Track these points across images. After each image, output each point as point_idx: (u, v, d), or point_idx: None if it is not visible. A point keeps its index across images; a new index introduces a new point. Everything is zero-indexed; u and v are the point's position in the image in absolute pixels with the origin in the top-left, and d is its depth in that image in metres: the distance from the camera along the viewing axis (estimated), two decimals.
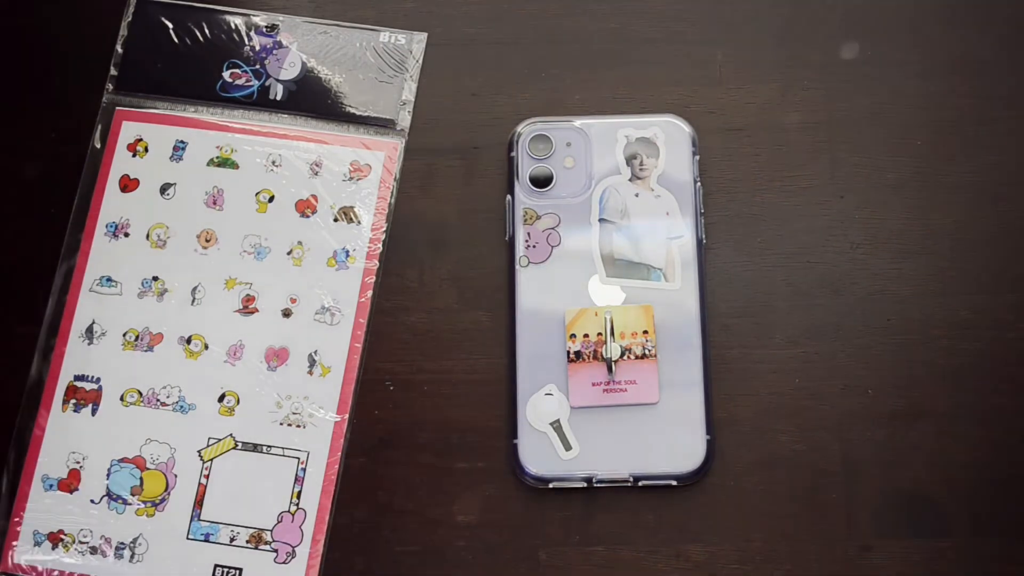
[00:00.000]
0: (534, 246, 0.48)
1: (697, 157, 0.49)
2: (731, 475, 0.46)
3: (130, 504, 0.46)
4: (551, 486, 0.46)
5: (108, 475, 0.46)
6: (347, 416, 0.47)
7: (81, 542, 0.46)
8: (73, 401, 0.47)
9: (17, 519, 0.46)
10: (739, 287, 0.48)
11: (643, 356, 0.46)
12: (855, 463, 0.46)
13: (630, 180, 0.49)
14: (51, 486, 0.46)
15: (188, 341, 0.48)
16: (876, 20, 0.52)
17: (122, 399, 0.47)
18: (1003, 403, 0.47)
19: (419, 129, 0.51)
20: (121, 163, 0.50)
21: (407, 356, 0.48)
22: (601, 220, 0.48)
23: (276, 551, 0.46)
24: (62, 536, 0.46)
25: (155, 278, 0.49)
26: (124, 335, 0.48)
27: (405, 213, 0.50)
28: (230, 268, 0.49)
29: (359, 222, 0.49)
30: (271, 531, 0.46)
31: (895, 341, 0.48)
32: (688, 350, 0.47)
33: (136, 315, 0.48)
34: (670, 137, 0.49)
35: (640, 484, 0.45)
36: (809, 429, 0.47)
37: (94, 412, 0.47)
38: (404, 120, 0.50)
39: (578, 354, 0.46)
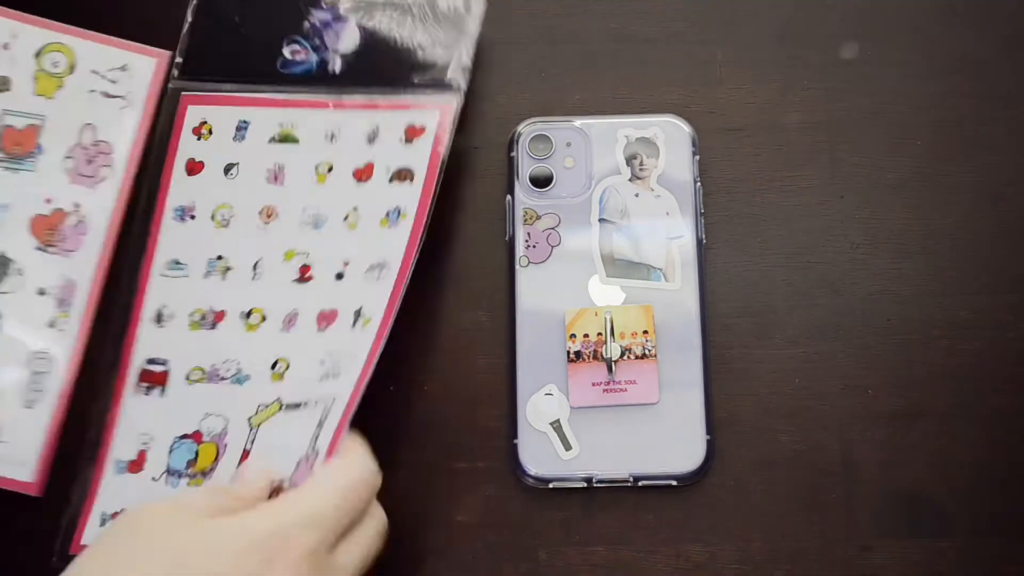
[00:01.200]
0: (534, 246, 0.48)
1: (697, 157, 0.49)
2: (731, 475, 0.46)
3: (184, 477, 0.46)
4: (551, 486, 0.46)
5: (170, 452, 0.46)
6: (374, 365, 0.44)
7: None
8: (145, 384, 0.47)
9: (90, 503, 0.46)
10: (739, 287, 0.48)
11: (643, 356, 0.46)
12: (855, 463, 0.46)
13: (630, 180, 0.49)
14: (122, 469, 0.47)
15: (248, 315, 0.48)
16: (876, 20, 0.52)
17: (187, 378, 0.47)
18: (1003, 403, 0.47)
19: None
20: (187, 147, 0.50)
21: (407, 356, 0.48)
22: (601, 220, 0.48)
23: None
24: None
25: (219, 257, 0.49)
26: (191, 315, 0.48)
27: None
28: (290, 240, 0.49)
29: (412, 180, 0.48)
30: (290, 478, 0.43)
31: (895, 341, 0.48)
32: (688, 350, 0.47)
33: (202, 295, 0.48)
34: (670, 137, 0.49)
35: (640, 484, 0.45)
36: (809, 429, 0.47)
37: (162, 393, 0.47)
38: (461, 80, 0.49)
39: (578, 354, 0.46)
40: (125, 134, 0.50)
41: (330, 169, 0.49)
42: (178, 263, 0.49)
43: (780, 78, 0.51)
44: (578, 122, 0.50)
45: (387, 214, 0.48)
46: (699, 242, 0.48)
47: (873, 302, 0.48)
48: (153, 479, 0.46)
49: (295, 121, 0.50)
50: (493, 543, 0.46)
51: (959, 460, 0.46)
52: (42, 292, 0.48)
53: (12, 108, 0.50)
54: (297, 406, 0.46)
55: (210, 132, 0.50)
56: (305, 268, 0.48)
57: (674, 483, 0.46)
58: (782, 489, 0.46)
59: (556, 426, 0.46)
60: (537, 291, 0.47)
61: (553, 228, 0.48)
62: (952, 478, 0.46)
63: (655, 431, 0.46)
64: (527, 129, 0.49)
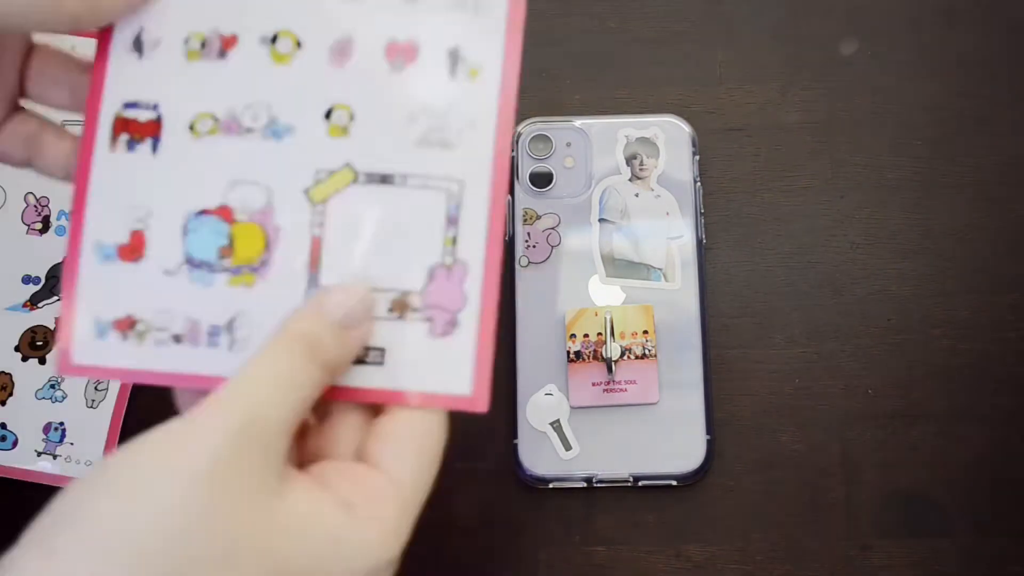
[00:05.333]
0: (534, 246, 0.48)
1: (697, 157, 0.49)
2: (731, 475, 0.46)
3: (218, 272, 0.33)
4: (551, 486, 0.46)
5: (184, 234, 0.33)
6: (510, 129, 0.33)
7: (159, 329, 0.33)
8: (125, 137, 0.33)
9: (69, 305, 0.33)
10: (739, 287, 0.48)
11: (643, 356, 0.46)
12: (855, 463, 0.46)
13: (630, 180, 0.49)
14: (109, 255, 0.33)
15: (273, 40, 0.33)
16: (876, 20, 0.52)
17: (192, 128, 0.33)
18: (1003, 403, 0.47)
19: None
20: None
21: None
22: (601, 220, 0.48)
23: (431, 320, 0.32)
24: (133, 323, 0.33)
25: None
26: (185, 41, 0.33)
27: None
28: None
29: None
30: (420, 293, 0.32)
31: (895, 341, 0.48)
32: (688, 350, 0.47)
33: (198, 12, 0.33)
34: (670, 137, 0.49)
35: (640, 484, 0.45)
36: (809, 429, 0.47)
37: (154, 149, 0.33)
38: None
39: (578, 354, 0.46)
40: None
41: None
42: None
43: (780, 78, 0.51)
44: (578, 122, 0.50)
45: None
46: (699, 242, 0.48)
47: (873, 302, 0.48)
48: (167, 272, 0.32)
49: None
50: (493, 543, 0.46)
51: (959, 460, 0.46)
52: None
53: None
54: (386, 179, 0.33)
55: None
56: None
57: (674, 483, 0.46)
58: (782, 489, 0.46)
59: (556, 426, 0.46)
60: (537, 291, 0.47)
61: (553, 228, 0.48)
62: (952, 478, 0.46)
63: (655, 431, 0.46)
64: (527, 129, 0.49)
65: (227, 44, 0.33)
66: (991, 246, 0.49)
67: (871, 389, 0.47)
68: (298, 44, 0.33)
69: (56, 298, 0.49)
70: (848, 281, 0.48)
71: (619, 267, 0.48)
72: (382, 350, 0.32)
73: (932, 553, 0.45)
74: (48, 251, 0.49)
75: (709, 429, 0.46)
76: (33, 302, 0.49)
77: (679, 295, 0.47)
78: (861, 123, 0.50)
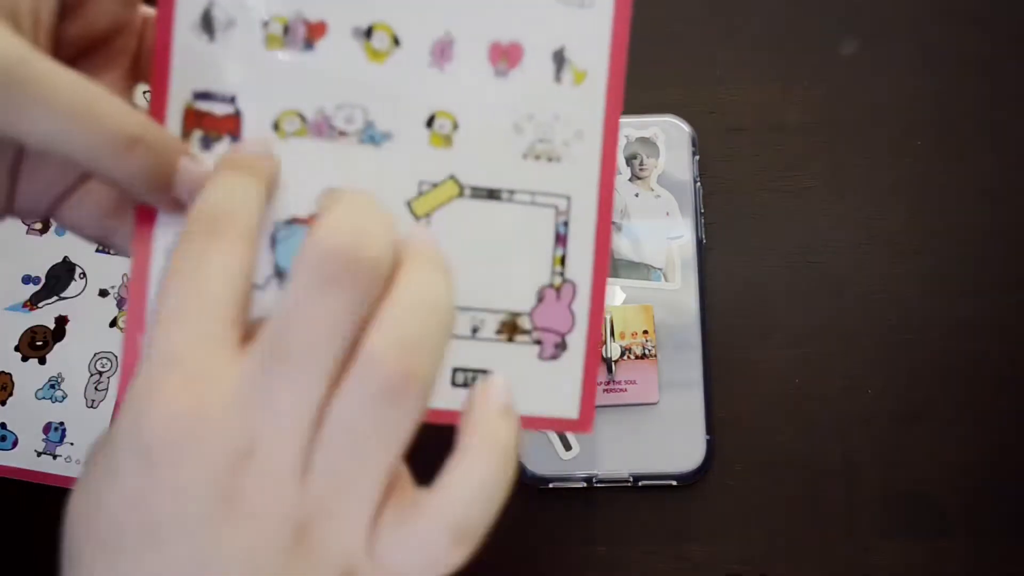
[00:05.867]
0: None
1: (697, 157, 0.49)
2: (731, 475, 0.46)
3: None
4: (551, 486, 0.46)
5: (273, 245, 0.29)
6: (616, 138, 0.32)
7: None
8: (198, 134, 0.29)
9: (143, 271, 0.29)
10: (739, 287, 0.48)
11: (643, 356, 0.46)
12: (855, 463, 0.46)
13: (630, 180, 0.49)
14: None
15: (368, 34, 0.30)
16: (876, 20, 0.52)
17: (276, 127, 0.30)
18: (1003, 403, 0.47)
19: None
20: None
21: None
22: None
23: (540, 343, 0.31)
24: None
25: None
26: (266, 25, 0.29)
27: None
28: None
29: None
30: (529, 315, 0.31)
31: (895, 341, 0.48)
32: (688, 350, 0.47)
33: None
34: (670, 137, 0.49)
35: (640, 484, 0.45)
36: (809, 429, 0.47)
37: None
38: None
39: None
40: None
41: None
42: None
43: (780, 78, 0.51)
44: None
45: None
46: (699, 242, 0.48)
47: (873, 302, 0.48)
48: (255, 286, 0.27)
49: None
50: (493, 543, 0.46)
51: (959, 460, 0.46)
52: (103, 293, 0.49)
53: None
54: (493, 194, 0.31)
55: None
56: None
57: (674, 483, 0.46)
58: (782, 489, 0.46)
59: None
60: None
61: None
62: (952, 478, 0.46)
63: (655, 431, 0.46)
64: None
65: (314, 33, 0.30)
66: (991, 246, 0.49)
67: (871, 389, 0.47)
68: (395, 41, 0.30)
69: (56, 298, 0.49)
70: (848, 281, 0.48)
71: (619, 267, 0.48)
72: (484, 371, 0.31)
73: (932, 553, 0.45)
74: (48, 251, 0.49)
75: (709, 429, 0.46)
76: (33, 302, 0.49)
77: (679, 295, 0.47)
78: (861, 123, 0.50)
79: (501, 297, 0.31)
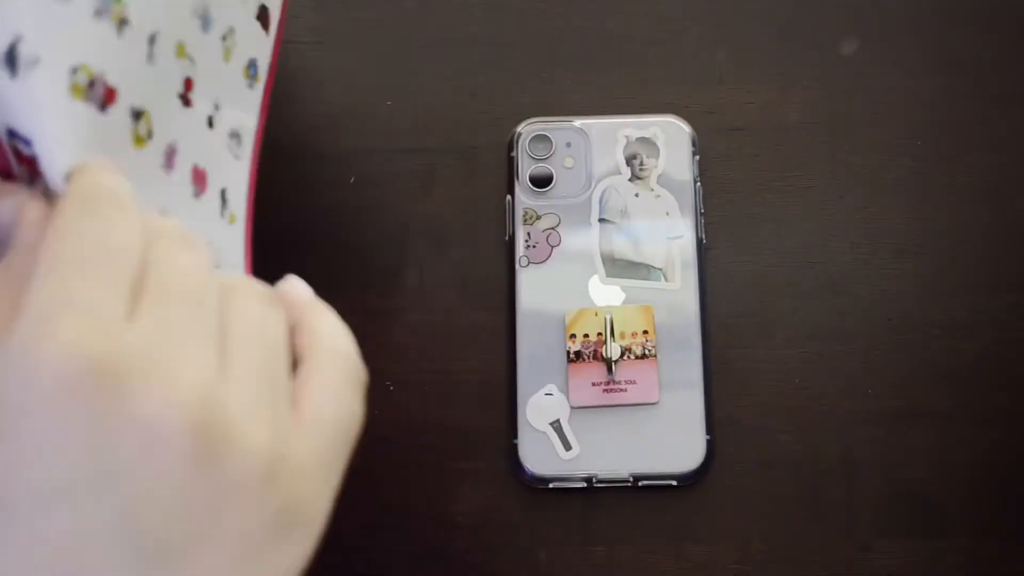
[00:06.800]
0: (534, 246, 0.48)
1: (697, 157, 0.49)
2: (731, 475, 0.46)
3: None
4: (551, 486, 0.46)
5: None
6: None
7: None
8: (25, 168, 0.29)
9: None
10: (739, 287, 0.48)
11: (643, 356, 0.46)
12: (855, 463, 0.46)
13: (630, 180, 0.49)
14: None
15: (137, 117, 0.30)
16: (876, 20, 0.52)
17: (68, 178, 0.27)
18: (1003, 403, 0.47)
19: (419, 129, 0.51)
20: None
21: (407, 356, 0.48)
22: (601, 220, 0.48)
23: None
24: None
25: None
26: (74, 72, 0.27)
27: (405, 213, 0.50)
28: (181, 25, 0.32)
29: (268, 28, 0.38)
30: None
31: (895, 341, 0.48)
32: (688, 350, 0.47)
33: (90, 45, 0.28)
34: (670, 137, 0.49)
35: (640, 484, 0.45)
36: (809, 429, 0.47)
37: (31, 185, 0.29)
38: None
39: (578, 354, 0.46)
40: None
41: None
42: None
43: (780, 78, 0.51)
44: (578, 122, 0.50)
45: (249, 63, 0.37)
46: (699, 242, 0.48)
47: (873, 302, 0.48)
48: None
49: None
50: (493, 543, 0.46)
51: (959, 460, 0.46)
52: None
53: None
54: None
55: None
56: (189, 83, 0.33)
57: (674, 483, 0.46)
58: (782, 489, 0.46)
59: (556, 426, 0.46)
60: (537, 291, 0.47)
61: (553, 228, 0.48)
62: (952, 478, 0.46)
63: (655, 431, 0.46)
64: (527, 129, 0.49)
65: (108, 97, 0.29)
66: (991, 246, 0.49)
67: (871, 389, 0.47)
68: (150, 134, 0.31)
69: None
70: (848, 281, 0.48)
71: (619, 267, 0.48)
72: None
73: (932, 553, 0.45)
74: None
75: (709, 429, 0.46)
76: None
77: (679, 295, 0.47)
78: (861, 123, 0.50)
79: None
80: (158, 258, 0.24)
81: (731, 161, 0.50)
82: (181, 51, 0.32)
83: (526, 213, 0.48)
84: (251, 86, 0.37)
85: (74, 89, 0.27)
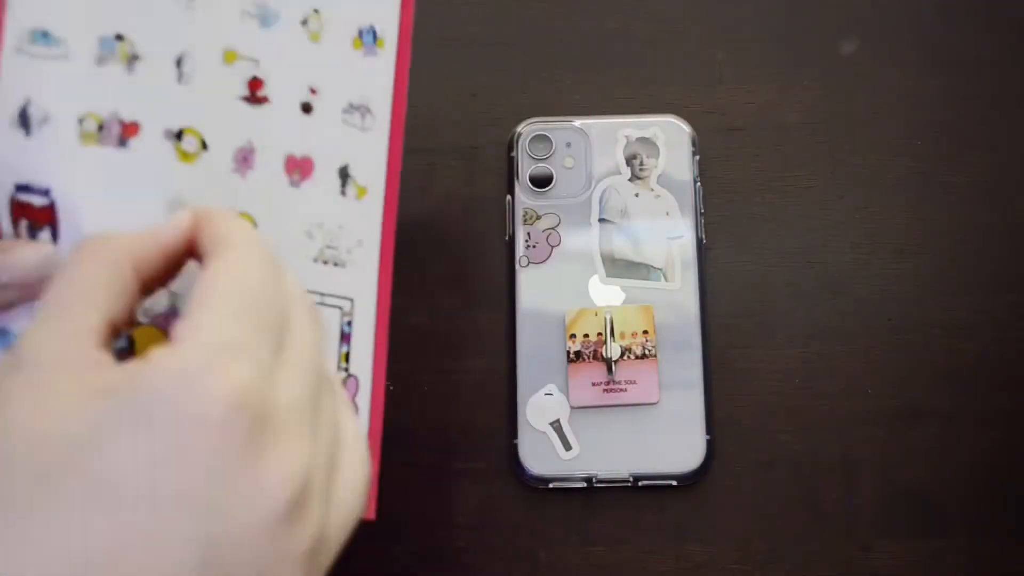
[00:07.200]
0: (534, 246, 0.48)
1: (697, 157, 0.49)
2: (731, 475, 0.46)
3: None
4: (551, 486, 0.46)
5: None
6: (391, 246, 0.37)
7: None
8: (25, 223, 0.30)
9: None
10: (739, 287, 0.48)
11: (643, 356, 0.46)
12: (855, 463, 0.46)
13: (630, 180, 0.49)
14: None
15: (178, 136, 0.32)
16: (876, 20, 0.52)
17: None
18: (1003, 403, 0.47)
19: (419, 129, 0.51)
20: None
21: (407, 356, 0.48)
22: (601, 220, 0.48)
23: None
24: None
25: (119, 37, 0.31)
26: (80, 122, 0.30)
27: (405, 213, 0.50)
28: (227, 34, 0.33)
29: None
30: None
31: (895, 341, 0.48)
32: (688, 350, 0.47)
33: (95, 92, 0.30)
34: (670, 137, 0.49)
35: (640, 484, 0.45)
36: (809, 429, 0.47)
37: (54, 237, 0.30)
38: None
39: (578, 354, 0.46)
40: None
41: None
42: (48, 36, 0.30)
43: (780, 78, 0.51)
44: (578, 122, 0.50)
45: (359, 33, 0.37)
46: (699, 242, 0.48)
47: (873, 302, 0.48)
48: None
49: None
50: (493, 543, 0.46)
51: (959, 460, 0.46)
52: None
53: None
54: None
55: None
56: (255, 83, 0.34)
57: (674, 483, 0.46)
58: (782, 489, 0.46)
59: (556, 426, 0.46)
60: (537, 291, 0.47)
61: (553, 228, 0.48)
62: (952, 478, 0.46)
63: (655, 431, 0.46)
64: (527, 129, 0.49)
65: (128, 132, 0.31)
66: (991, 246, 0.49)
67: (871, 389, 0.47)
68: (203, 145, 0.32)
69: None
70: (848, 281, 0.48)
71: (619, 267, 0.48)
72: None
73: (932, 553, 0.45)
74: None
75: (709, 429, 0.46)
76: None
77: (679, 295, 0.47)
78: (861, 123, 0.50)
79: None
80: (298, 324, 0.27)
81: (731, 161, 0.50)
82: (231, 57, 0.33)
83: (526, 213, 0.48)
84: (369, 54, 0.37)
85: (84, 137, 0.30)
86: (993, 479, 0.46)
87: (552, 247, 0.48)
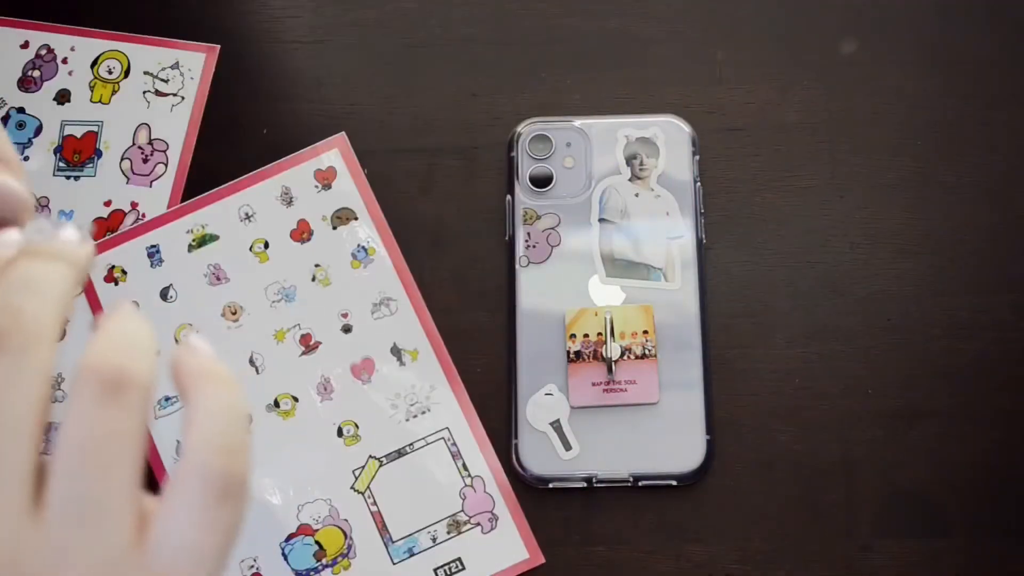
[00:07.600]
0: (534, 246, 0.48)
1: (697, 157, 0.49)
2: (731, 475, 0.46)
3: (321, 571, 0.45)
4: (551, 486, 0.46)
5: (286, 557, 0.45)
6: (458, 376, 0.47)
7: None
8: None
9: None
10: (739, 287, 0.48)
11: (643, 356, 0.46)
12: (855, 463, 0.46)
13: (630, 180, 0.49)
14: None
15: (276, 404, 0.47)
16: (876, 20, 0.52)
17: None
18: (1003, 403, 0.47)
19: (419, 129, 0.51)
20: (107, 298, 0.48)
21: None
22: (601, 220, 0.48)
23: (479, 524, 0.45)
24: None
25: None
26: None
27: (405, 213, 0.50)
28: (270, 323, 0.48)
29: (357, 219, 0.49)
30: (463, 511, 0.45)
31: (895, 341, 0.48)
32: (688, 350, 0.47)
33: None
34: (670, 137, 0.49)
35: (640, 484, 0.45)
36: (809, 429, 0.47)
37: None
38: None
39: (578, 354, 0.46)
40: (179, 129, 0.51)
41: (266, 245, 0.49)
42: (167, 399, 0.47)
43: (780, 78, 0.51)
44: (578, 122, 0.50)
45: (352, 255, 0.48)
46: (699, 242, 0.48)
47: (873, 302, 0.48)
48: None
49: (203, 222, 0.49)
50: None
51: (959, 460, 0.46)
52: None
53: (71, 118, 0.51)
54: (400, 453, 0.46)
55: (123, 272, 0.49)
56: (306, 338, 0.47)
57: (674, 483, 0.46)
58: (782, 489, 0.46)
59: (556, 426, 0.46)
60: (537, 291, 0.47)
61: (553, 228, 0.48)
62: (952, 478, 0.46)
63: (655, 431, 0.46)
64: (527, 129, 0.49)
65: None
66: (991, 246, 0.49)
67: (871, 389, 0.47)
68: (295, 399, 0.47)
69: None
70: (848, 281, 0.48)
71: (619, 267, 0.48)
72: (459, 559, 0.45)
73: (932, 553, 0.45)
74: None
75: (709, 429, 0.46)
76: None
77: (679, 295, 0.47)
78: (861, 123, 0.50)
79: (440, 511, 0.45)
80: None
81: (731, 161, 0.50)
82: (280, 336, 0.47)
83: (526, 213, 0.48)
84: (367, 264, 0.48)
85: None
86: (993, 479, 0.46)
87: (552, 247, 0.48)
